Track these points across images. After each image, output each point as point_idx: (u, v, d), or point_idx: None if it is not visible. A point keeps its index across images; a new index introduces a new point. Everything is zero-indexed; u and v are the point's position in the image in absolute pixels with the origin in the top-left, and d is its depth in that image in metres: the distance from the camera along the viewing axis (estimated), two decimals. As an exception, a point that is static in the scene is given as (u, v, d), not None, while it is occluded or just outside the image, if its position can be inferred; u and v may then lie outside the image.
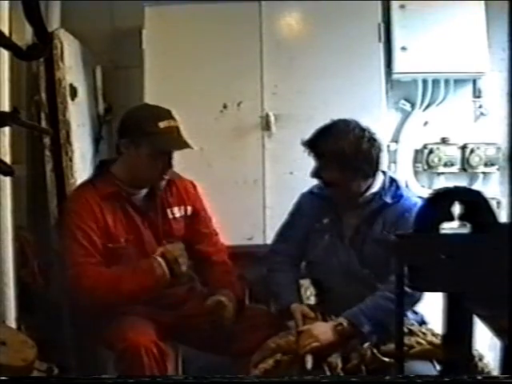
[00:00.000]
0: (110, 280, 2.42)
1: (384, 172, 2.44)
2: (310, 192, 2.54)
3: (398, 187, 2.42)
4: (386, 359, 2.16)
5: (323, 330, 2.26)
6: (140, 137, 2.45)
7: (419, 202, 2.35)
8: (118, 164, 2.55)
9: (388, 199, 2.37)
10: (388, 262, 2.22)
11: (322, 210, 2.47)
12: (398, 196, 2.39)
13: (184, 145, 2.51)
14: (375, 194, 2.38)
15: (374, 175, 2.37)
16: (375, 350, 2.19)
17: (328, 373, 2.14)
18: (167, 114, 2.50)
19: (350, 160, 2.28)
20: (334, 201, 2.44)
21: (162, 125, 2.44)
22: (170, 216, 2.61)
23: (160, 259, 2.41)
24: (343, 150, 2.28)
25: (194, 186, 2.72)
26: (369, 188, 2.38)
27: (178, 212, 2.64)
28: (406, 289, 2.09)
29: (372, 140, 2.33)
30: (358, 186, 2.35)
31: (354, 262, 2.38)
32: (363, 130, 2.33)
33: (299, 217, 2.56)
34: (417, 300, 2.26)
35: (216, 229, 2.78)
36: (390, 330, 2.15)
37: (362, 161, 2.30)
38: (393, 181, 2.44)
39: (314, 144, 2.36)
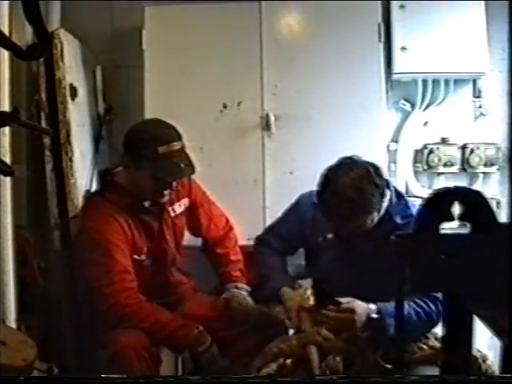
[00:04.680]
0: (149, 317, 2.42)
1: (388, 184, 2.32)
2: (313, 202, 2.44)
3: (406, 204, 2.34)
4: (388, 366, 2.15)
5: (361, 312, 2.20)
6: (139, 160, 2.44)
7: None
8: (124, 176, 2.55)
9: (398, 219, 2.28)
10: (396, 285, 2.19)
11: (325, 224, 2.39)
12: (408, 215, 2.28)
13: (181, 173, 2.51)
14: (384, 214, 2.28)
15: (380, 207, 2.25)
16: (377, 357, 2.18)
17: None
18: (169, 136, 2.46)
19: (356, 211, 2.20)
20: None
21: (161, 150, 2.41)
22: (172, 214, 2.64)
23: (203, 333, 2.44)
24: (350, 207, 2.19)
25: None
26: (376, 219, 2.27)
27: (178, 208, 2.67)
28: (423, 316, 2.10)
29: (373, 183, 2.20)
30: (364, 222, 2.24)
31: (359, 283, 2.33)
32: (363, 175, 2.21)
33: (297, 219, 2.54)
34: (434, 324, 2.22)
35: (220, 214, 2.86)
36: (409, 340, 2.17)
37: (369, 206, 2.21)
38: (400, 196, 2.36)
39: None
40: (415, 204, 2.49)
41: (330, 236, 2.42)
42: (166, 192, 2.50)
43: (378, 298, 2.25)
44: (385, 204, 2.27)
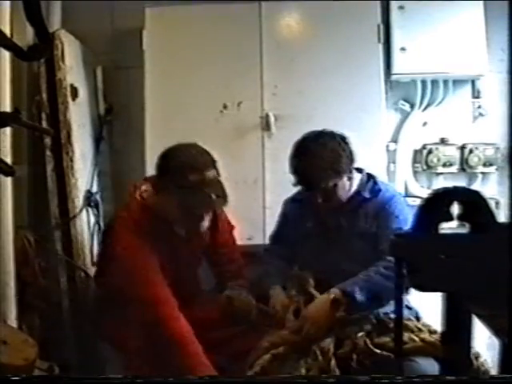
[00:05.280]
0: (181, 336, 2.34)
1: (361, 170, 2.49)
2: (292, 199, 2.60)
3: (375, 182, 2.48)
4: (378, 351, 2.17)
5: (319, 312, 2.28)
6: (170, 186, 2.36)
7: (397, 194, 2.51)
8: (153, 197, 2.44)
9: (367, 194, 2.43)
10: (376, 253, 2.29)
11: (305, 214, 2.52)
12: (376, 191, 2.45)
13: (211, 205, 2.41)
14: (354, 192, 2.43)
15: (349, 173, 2.40)
16: (368, 341, 2.21)
17: (320, 357, 2.16)
18: (203, 164, 2.37)
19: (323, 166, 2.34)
20: (315, 205, 2.46)
21: (192, 178, 2.32)
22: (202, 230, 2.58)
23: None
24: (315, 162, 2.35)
25: None
26: (348, 189, 2.43)
27: (207, 223, 2.61)
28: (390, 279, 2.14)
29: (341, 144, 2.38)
30: (335, 187, 2.38)
31: (341, 260, 2.42)
32: (333, 138, 2.39)
33: (285, 222, 2.63)
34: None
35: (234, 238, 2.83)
36: (381, 303, 2.25)
37: (334, 163, 2.35)
38: (370, 177, 2.49)
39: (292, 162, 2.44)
40: (385, 182, 2.65)
41: (309, 224, 2.50)
42: (197, 222, 2.45)
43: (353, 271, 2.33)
44: (356, 182, 2.43)
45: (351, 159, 2.38)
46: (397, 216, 2.36)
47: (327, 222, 2.48)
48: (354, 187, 2.44)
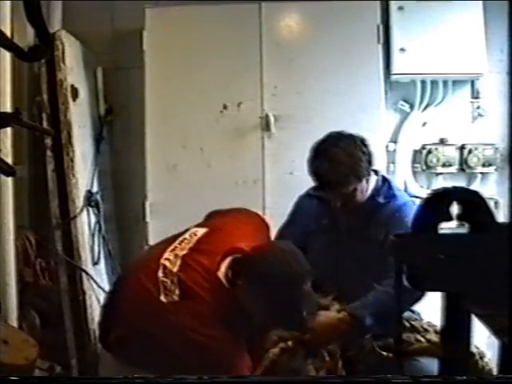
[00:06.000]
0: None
1: (377, 172, 2.46)
2: (308, 194, 2.57)
3: (390, 187, 2.45)
4: (384, 353, 2.17)
5: (325, 332, 2.19)
6: (260, 292, 2.01)
7: (410, 201, 2.45)
8: (240, 288, 2.05)
9: (380, 199, 2.40)
10: (383, 261, 2.23)
11: (319, 211, 2.51)
12: (389, 196, 2.42)
13: (301, 326, 2.10)
14: (369, 196, 2.40)
15: (368, 176, 2.38)
16: (374, 343, 2.21)
17: (327, 358, 2.15)
18: (300, 277, 2.03)
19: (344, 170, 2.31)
20: (330, 203, 2.46)
21: (286, 292, 1.98)
22: None
23: None
24: (337, 171, 2.30)
25: None
26: (365, 191, 2.40)
27: None
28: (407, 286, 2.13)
29: (362, 149, 2.35)
30: (354, 190, 2.35)
31: (350, 262, 2.40)
32: (353, 141, 2.35)
33: (298, 217, 2.60)
34: (418, 298, 2.25)
35: None
36: (391, 325, 2.17)
37: (354, 167, 2.32)
38: (385, 180, 2.47)
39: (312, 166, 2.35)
40: (398, 187, 2.60)
41: (323, 222, 2.48)
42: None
43: (370, 278, 2.28)
44: (372, 184, 2.38)
45: (370, 162, 2.36)
46: (406, 225, 2.31)
47: (339, 222, 2.46)
48: (370, 190, 2.41)
